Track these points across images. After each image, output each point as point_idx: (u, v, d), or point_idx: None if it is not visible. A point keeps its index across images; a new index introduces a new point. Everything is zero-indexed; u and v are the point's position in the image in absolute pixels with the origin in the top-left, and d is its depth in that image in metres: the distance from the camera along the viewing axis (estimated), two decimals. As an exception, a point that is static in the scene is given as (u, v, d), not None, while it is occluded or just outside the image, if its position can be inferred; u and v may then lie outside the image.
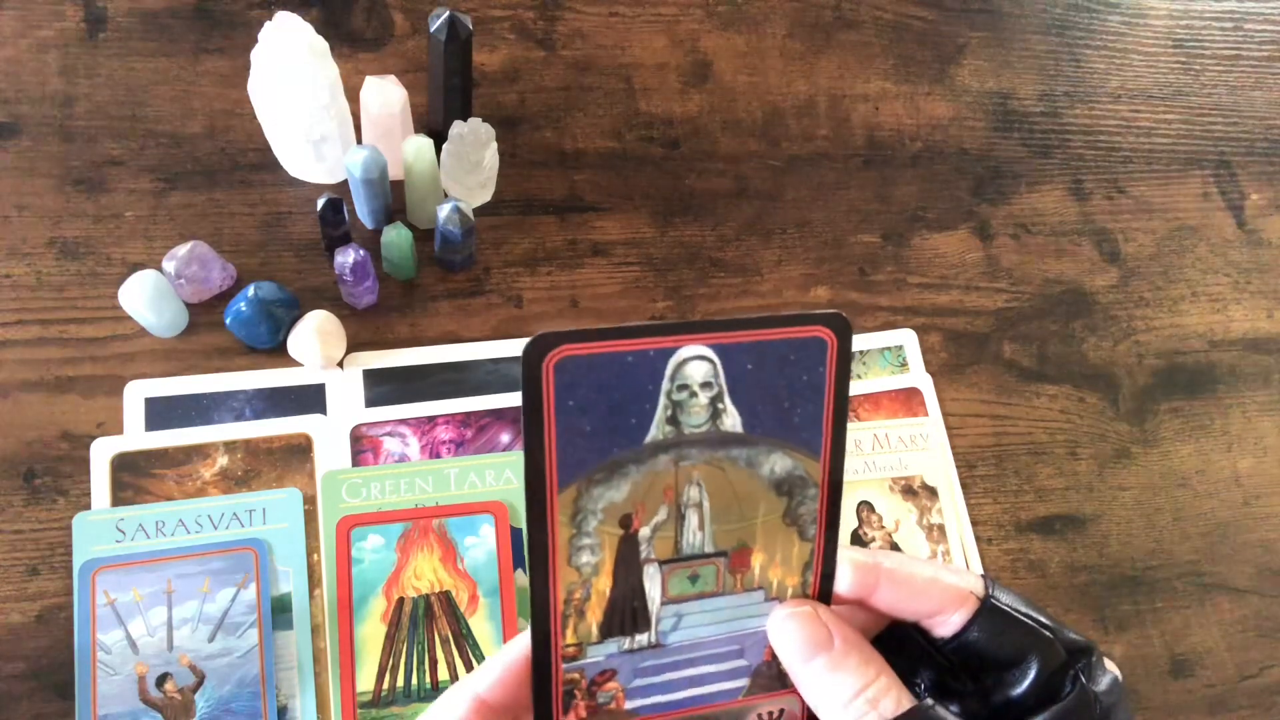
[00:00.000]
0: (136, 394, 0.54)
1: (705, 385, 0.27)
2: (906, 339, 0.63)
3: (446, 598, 0.52)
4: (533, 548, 0.27)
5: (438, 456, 0.55)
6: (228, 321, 0.54)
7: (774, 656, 0.30)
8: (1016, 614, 0.29)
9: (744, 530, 0.29)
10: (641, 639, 0.30)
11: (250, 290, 0.53)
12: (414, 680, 0.51)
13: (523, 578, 0.53)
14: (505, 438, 0.56)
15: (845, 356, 0.28)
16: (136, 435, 0.53)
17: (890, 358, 0.63)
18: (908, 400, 0.62)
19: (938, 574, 0.29)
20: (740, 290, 0.63)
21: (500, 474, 0.55)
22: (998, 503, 0.61)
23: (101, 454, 0.53)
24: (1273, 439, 0.67)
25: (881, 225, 0.66)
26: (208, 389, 0.55)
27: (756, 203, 0.65)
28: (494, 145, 0.57)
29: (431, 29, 0.54)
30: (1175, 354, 0.67)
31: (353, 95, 0.57)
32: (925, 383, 0.62)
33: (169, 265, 0.54)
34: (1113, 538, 0.62)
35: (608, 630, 0.29)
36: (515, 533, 0.54)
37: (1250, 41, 0.78)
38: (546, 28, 0.67)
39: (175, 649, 0.49)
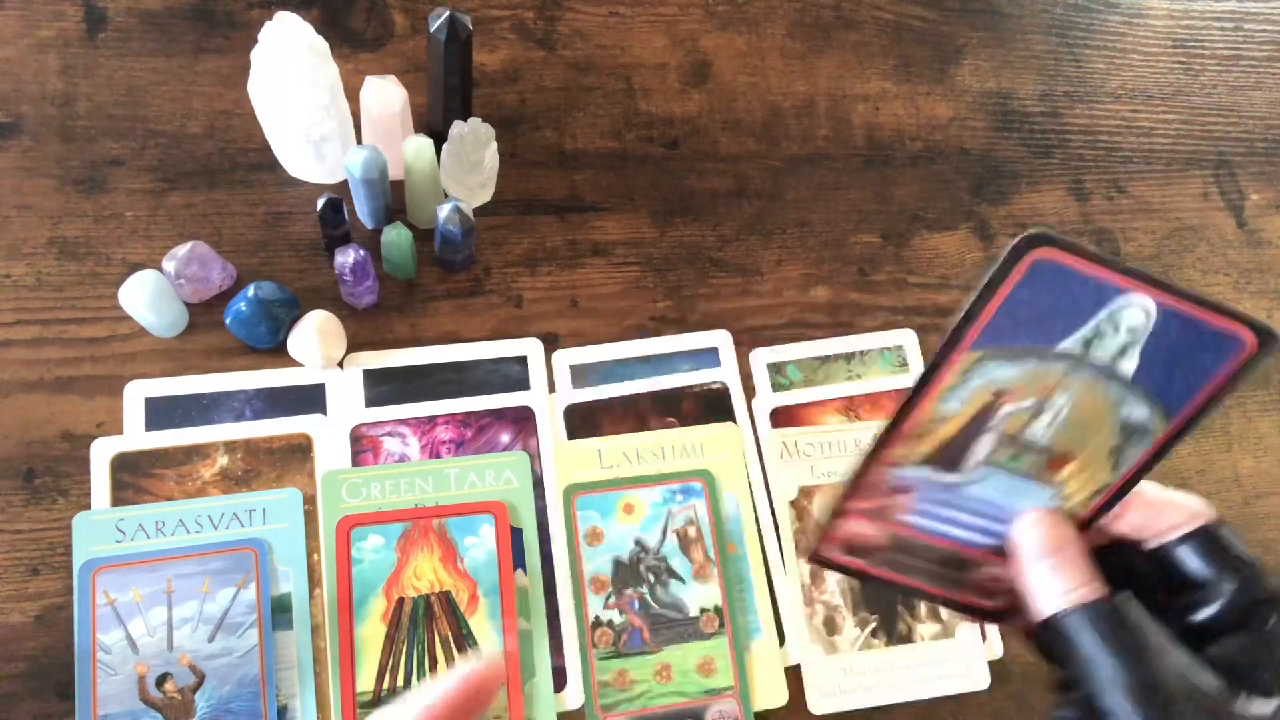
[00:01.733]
0: (136, 394, 0.54)
1: (1131, 331, 0.31)
2: (906, 339, 0.63)
3: (446, 598, 0.52)
4: (925, 375, 0.33)
5: (438, 456, 0.55)
6: (228, 321, 0.54)
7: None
8: (1233, 544, 0.32)
9: (1077, 443, 0.34)
10: (949, 479, 0.35)
11: (250, 290, 0.53)
12: (414, 680, 0.51)
13: (523, 577, 0.53)
14: (505, 438, 0.56)
15: (1253, 365, 0.31)
16: (136, 435, 0.53)
17: (890, 358, 0.63)
18: None
19: (1173, 495, 0.35)
20: (740, 290, 0.63)
21: (500, 474, 0.55)
22: (998, 503, 0.61)
23: (101, 454, 0.53)
24: (1273, 439, 0.67)
25: (881, 225, 0.66)
26: (208, 389, 0.55)
27: (756, 203, 0.65)
28: (494, 145, 0.57)
29: (431, 29, 0.54)
30: (1175, 354, 0.67)
31: (353, 95, 0.57)
32: None
33: (169, 265, 0.54)
34: (1113, 538, 0.62)
35: (930, 461, 0.35)
36: (515, 532, 0.54)
37: (1250, 41, 0.78)
38: (546, 28, 0.67)
39: (175, 649, 0.49)
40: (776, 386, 0.61)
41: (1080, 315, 0.32)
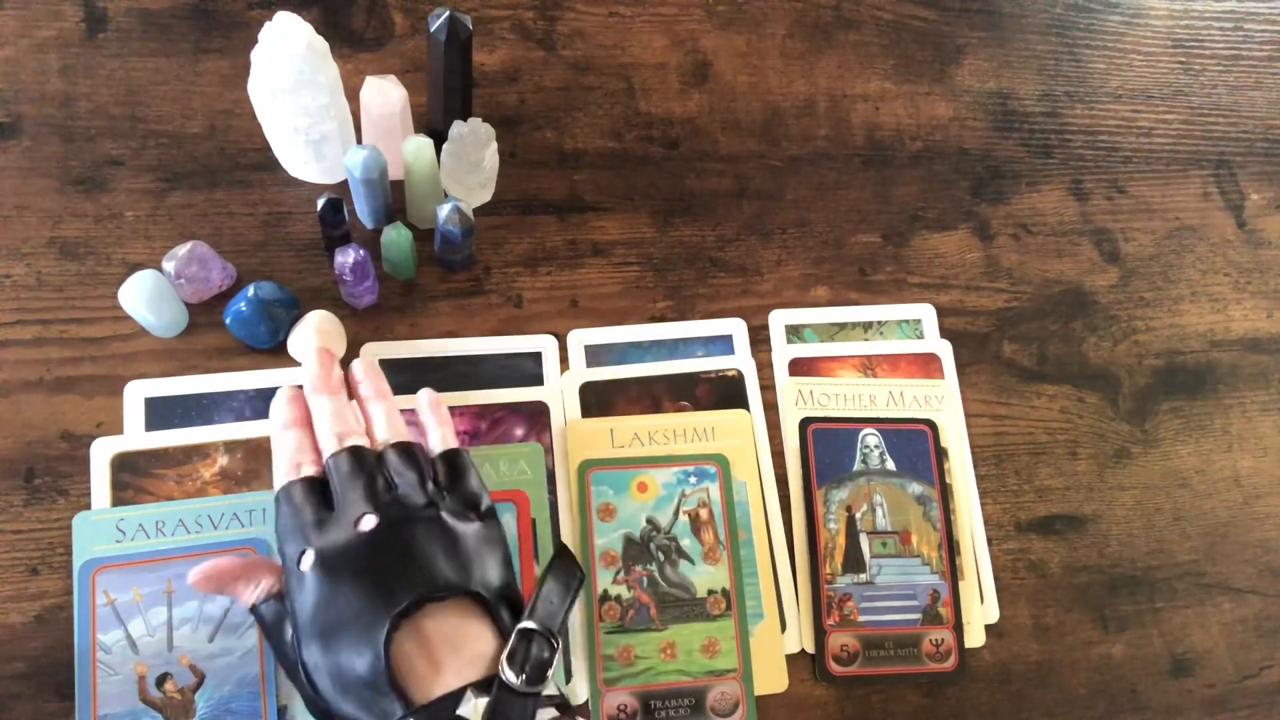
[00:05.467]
0: (136, 394, 0.54)
1: (874, 446, 0.58)
2: (925, 313, 0.64)
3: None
4: (807, 519, 0.57)
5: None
6: (228, 321, 0.54)
7: (934, 600, 0.56)
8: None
9: (904, 520, 0.57)
10: (862, 577, 0.56)
11: (250, 290, 0.53)
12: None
13: (536, 569, 0.53)
14: (519, 431, 0.56)
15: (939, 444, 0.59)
16: (136, 435, 0.53)
17: (908, 329, 0.63)
18: (925, 365, 0.62)
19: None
20: (740, 290, 0.63)
21: (515, 464, 0.55)
22: (998, 503, 0.61)
23: (101, 454, 0.53)
24: (1273, 439, 0.67)
25: (881, 225, 0.66)
26: (208, 389, 0.55)
27: (756, 203, 0.65)
28: (494, 145, 0.57)
29: (431, 29, 0.54)
30: (1175, 354, 0.67)
31: (353, 95, 0.57)
32: (944, 349, 0.63)
33: (169, 265, 0.54)
34: (1113, 538, 0.62)
35: (844, 568, 0.56)
36: (534, 523, 0.54)
37: (1250, 41, 0.78)
38: (546, 28, 0.67)
39: (175, 649, 0.49)
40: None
41: (853, 449, 0.58)
